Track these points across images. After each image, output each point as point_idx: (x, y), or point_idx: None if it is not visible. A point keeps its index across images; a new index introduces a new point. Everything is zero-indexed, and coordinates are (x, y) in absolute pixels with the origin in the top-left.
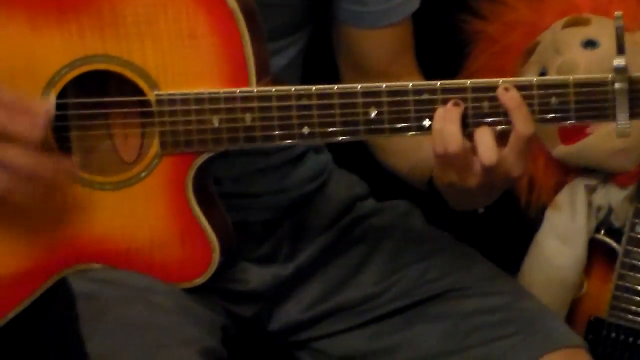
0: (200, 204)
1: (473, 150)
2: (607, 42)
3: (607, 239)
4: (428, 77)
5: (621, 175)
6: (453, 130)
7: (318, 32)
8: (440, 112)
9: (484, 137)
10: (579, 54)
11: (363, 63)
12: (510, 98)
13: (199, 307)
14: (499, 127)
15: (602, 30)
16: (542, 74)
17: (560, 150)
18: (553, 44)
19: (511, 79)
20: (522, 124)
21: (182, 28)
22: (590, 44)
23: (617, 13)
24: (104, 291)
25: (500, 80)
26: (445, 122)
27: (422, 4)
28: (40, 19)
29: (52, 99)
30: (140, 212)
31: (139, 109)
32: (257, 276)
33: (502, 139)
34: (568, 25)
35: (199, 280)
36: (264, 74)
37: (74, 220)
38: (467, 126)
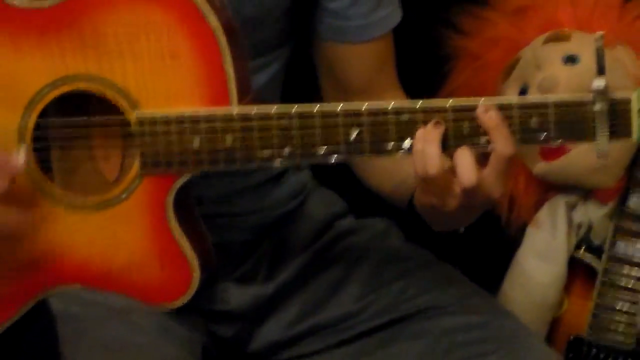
0: (181, 225)
1: (453, 171)
2: (588, 57)
3: (587, 257)
4: (409, 93)
5: (601, 191)
6: (433, 151)
7: (299, 48)
8: (420, 133)
9: (464, 159)
10: (559, 69)
11: (343, 78)
12: (489, 118)
13: (179, 326)
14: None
15: (583, 45)
16: (523, 90)
17: (541, 167)
18: (534, 60)
19: (492, 97)
20: (502, 144)
21: (163, 48)
22: (571, 59)
23: (597, 34)
24: (84, 312)
25: (481, 100)
26: (426, 143)
27: (403, 19)
28: (22, 38)
29: (22, 153)
30: (120, 233)
31: (120, 130)
32: (237, 296)
33: (484, 159)
34: (549, 40)
35: (178, 302)
36: (245, 93)
37: (55, 242)
38: (448, 147)
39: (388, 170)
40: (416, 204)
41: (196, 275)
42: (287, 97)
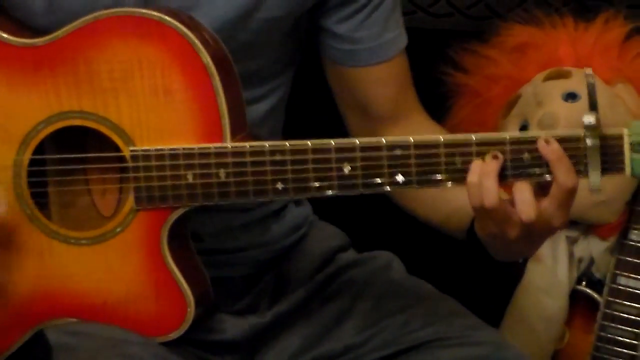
0: (176, 259)
1: (511, 202)
2: None
3: (589, 290)
4: None
5: (602, 226)
6: (490, 184)
7: (300, 78)
8: (477, 165)
9: (522, 194)
10: (560, 106)
11: (367, 104)
12: (552, 150)
13: (176, 358)
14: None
15: (583, 82)
16: (524, 126)
17: None
18: (534, 97)
19: (485, 134)
20: (565, 176)
21: (157, 84)
22: (571, 96)
23: (588, 70)
24: (80, 343)
25: (539, 133)
26: (483, 176)
27: None
28: (17, 75)
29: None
30: (115, 267)
31: (116, 165)
32: (234, 326)
33: (542, 189)
34: (549, 78)
35: (173, 335)
36: (240, 129)
37: (50, 276)
38: (505, 178)
39: (437, 200)
40: (477, 232)
41: (190, 309)
42: (290, 126)
